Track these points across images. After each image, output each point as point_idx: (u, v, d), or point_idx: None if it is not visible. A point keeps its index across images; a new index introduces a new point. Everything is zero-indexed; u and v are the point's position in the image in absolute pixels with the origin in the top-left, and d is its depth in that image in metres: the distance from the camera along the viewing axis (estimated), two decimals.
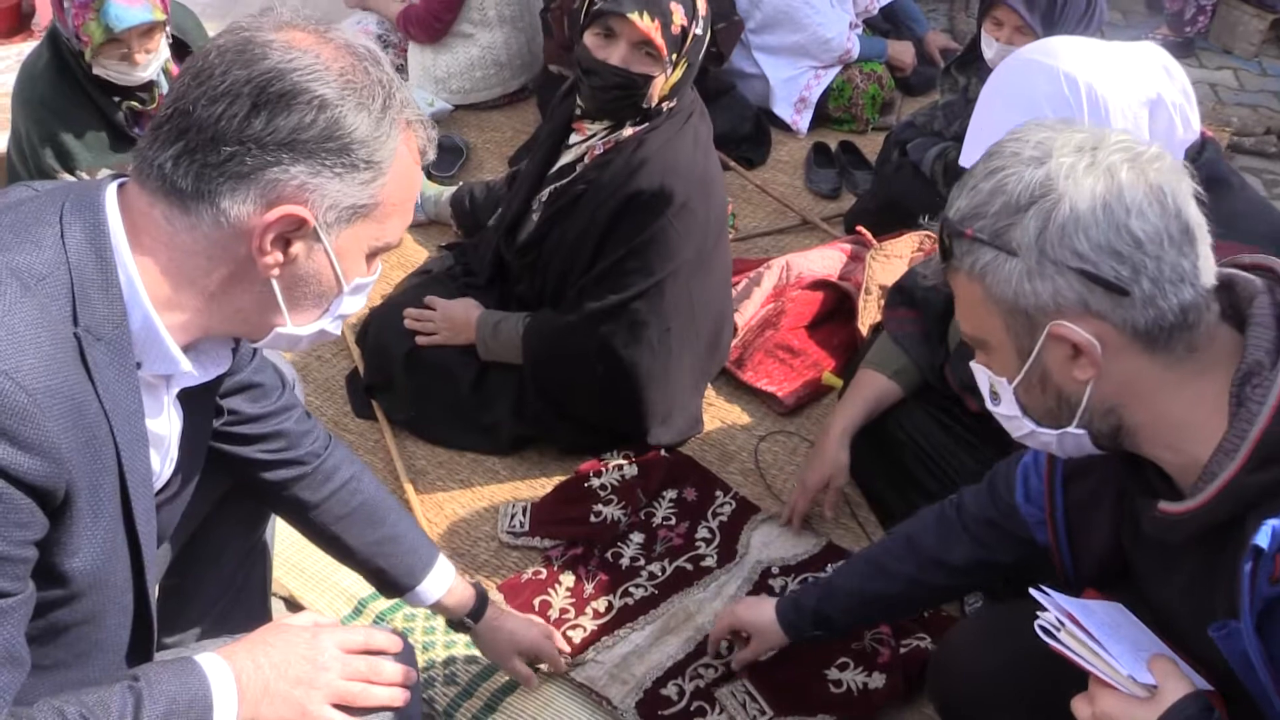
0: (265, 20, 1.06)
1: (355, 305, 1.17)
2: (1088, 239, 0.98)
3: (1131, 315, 0.99)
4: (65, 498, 1.01)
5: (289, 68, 1.01)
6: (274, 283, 1.08)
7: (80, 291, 1.01)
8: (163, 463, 1.21)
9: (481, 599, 1.70)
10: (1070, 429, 1.09)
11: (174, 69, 2.79)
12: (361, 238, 1.10)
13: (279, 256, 1.06)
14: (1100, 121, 1.51)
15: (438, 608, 1.65)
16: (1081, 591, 1.25)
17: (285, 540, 2.13)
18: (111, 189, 1.06)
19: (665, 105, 2.14)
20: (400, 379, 2.42)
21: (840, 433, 2.10)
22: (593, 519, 2.17)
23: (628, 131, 2.18)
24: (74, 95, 2.66)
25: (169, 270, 1.05)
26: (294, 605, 2.01)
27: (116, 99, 2.68)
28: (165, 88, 2.76)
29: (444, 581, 1.63)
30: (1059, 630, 1.11)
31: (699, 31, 2.04)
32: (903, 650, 1.89)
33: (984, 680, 1.47)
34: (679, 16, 2.01)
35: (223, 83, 1.00)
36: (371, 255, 1.14)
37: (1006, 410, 1.14)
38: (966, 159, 1.75)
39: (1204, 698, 1.04)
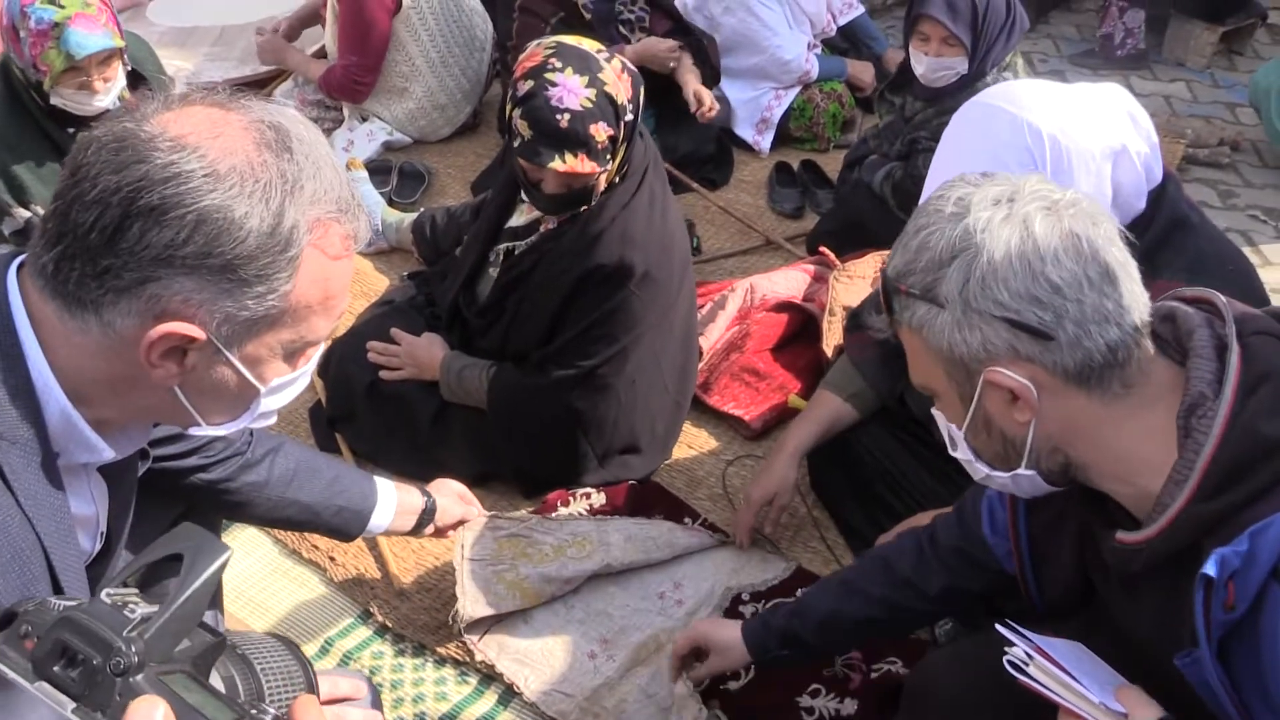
0: (170, 98, 0.97)
1: (282, 401, 1.09)
2: (1007, 289, 1.02)
3: (1060, 358, 1.03)
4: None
5: (162, 176, 0.90)
6: (177, 390, 1.01)
7: None
8: (95, 540, 1.17)
9: (429, 507, 1.86)
10: (1021, 470, 1.12)
11: (130, 98, 2.77)
12: (273, 344, 1.01)
13: (174, 368, 0.98)
14: (1063, 173, 1.51)
15: (396, 525, 1.79)
16: (1044, 624, 1.26)
17: (247, 578, 2.11)
18: (12, 277, 0.99)
19: (619, 176, 2.11)
20: (363, 411, 2.40)
21: (790, 452, 2.10)
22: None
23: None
24: (27, 128, 2.64)
25: (70, 365, 0.99)
26: None
27: (70, 130, 2.65)
28: None
29: (391, 495, 1.77)
30: (1028, 664, 1.11)
31: (630, 117, 2.01)
32: (874, 675, 1.89)
33: (958, 708, 1.47)
34: (602, 133, 1.96)
35: (94, 188, 0.91)
36: (293, 355, 1.05)
37: (963, 455, 1.18)
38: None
39: None
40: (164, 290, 0.93)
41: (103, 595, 0.76)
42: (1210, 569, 0.95)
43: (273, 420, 1.12)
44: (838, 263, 2.74)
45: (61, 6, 2.45)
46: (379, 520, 1.75)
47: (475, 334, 2.35)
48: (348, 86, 3.57)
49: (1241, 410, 0.98)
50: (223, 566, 0.79)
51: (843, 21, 4.00)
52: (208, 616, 1.49)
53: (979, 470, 1.17)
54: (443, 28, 3.60)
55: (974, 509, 1.46)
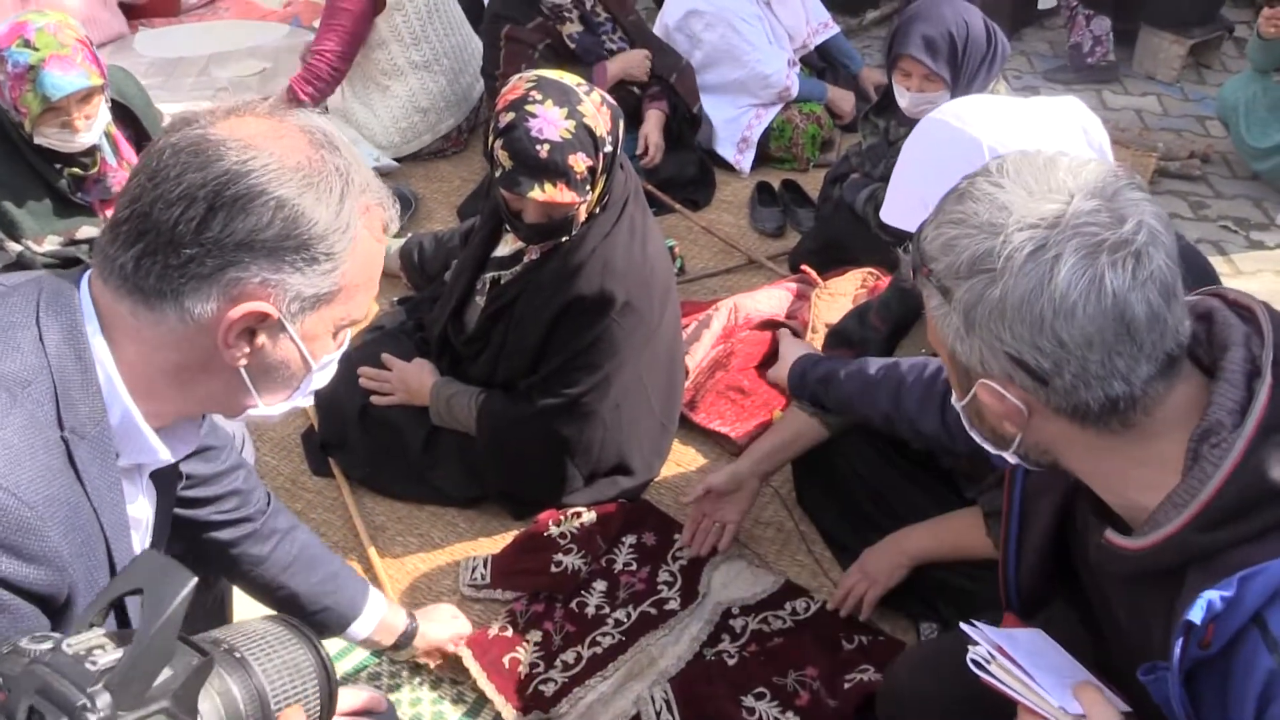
0: (216, 110, 1.07)
1: (325, 379, 1.20)
2: (1011, 330, 0.97)
3: (1053, 399, 1.00)
4: (67, 600, 1.04)
5: (244, 170, 1.01)
6: (242, 371, 1.10)
7: (63, 393, 1.02)
8: (142, 544, 1.24)
9: (409, 630, 1.85)
10: (1007, 455, 1.12)
11: (116, 133, 2.80)
12: (327, 320, 1.12)
13: (245, 348, 1.08)
14: None
15: (373, 637, 1.78)
16: (1020, 594, 1.31)
17: (243, 603, 2.14)
18: (84, 284, 1.08)
19: (600, 207, 2.15)
20: (355, 436, 2.44)
21: (752, 462, 2.15)
22: (553, 569, 2.19)
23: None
24: (15, 164, 2.66)
25: (139, 362, 1.07)
26: None
27: (58, 166, 2.69)
28: (108, 152, 2.77)
29: (378, 609, 1.78)
30: (990, 663, 1.15)
31: (609, 149, 2.05)
32: (847, 685, 1.93)
33: (931, 706, 1.51)
34: (581, 164, 1.99)
35: (178, 186, 1.01)
36: (337, 332, 1.16)
37: (962, 417, 1.16)
38: (887, 214, 1.81)
39: None
40: (244, 273, 1.03)
41: (64, 646, 0.77)
42: (1195, 615, 0.93)
43: (309, 404, 1.21)
44: (820, 281, 2.80)
45: (36, 49, 2.47)
46: (359, 629, 1.75)
47: (464, 361, 2.39)
48: (317, 73, 3.53)
49: (1257, 449, 0.94)
50: (188, 596, 0.82)
51: (818, 41, 4.07)
52: None
53: (972, 434, 1.16)
54: (428, 33, 3.65)
55: None
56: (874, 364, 1.93)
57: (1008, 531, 1.31)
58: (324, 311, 1.10)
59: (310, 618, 1.66)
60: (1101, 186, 0.97)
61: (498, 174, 2.04)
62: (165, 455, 1.14)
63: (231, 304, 1.04)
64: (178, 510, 1.42)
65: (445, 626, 1.96)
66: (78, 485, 1.04)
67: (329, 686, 1.05)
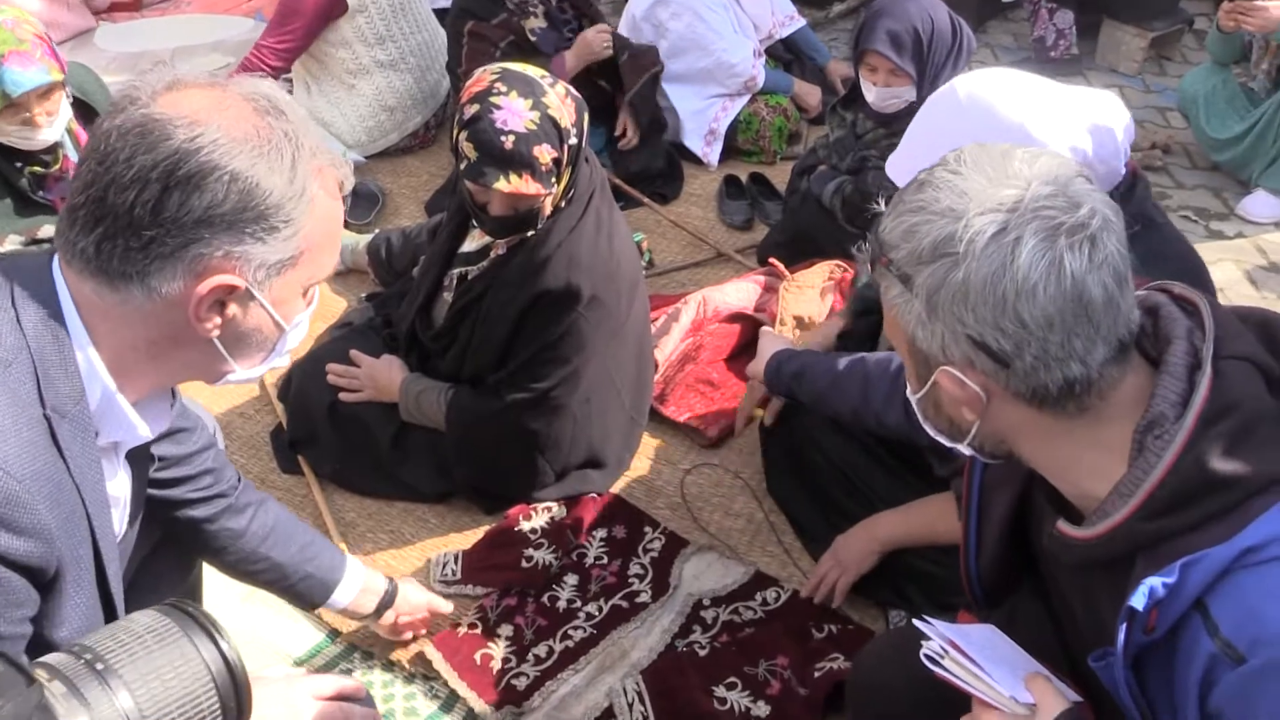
0: (156, 85, 1.07)
1: (299, 337, 1.22)
2: (974, 312, 0.99)
3: (1013, 382, 1.01)
4: (55, 574, 1.06)
5: (193, 147, 1.01)
6: (216, 341, 1.12)
7: (43, 373, 1.04)
8: (121, 522, 1.26)
9: (390, 591, 1.87)
10: (962, 447, 1.14)
11: (78, 129, 2.77)
12: (294, 282, 1.14)
13: (216, 320, 1.09)
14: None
15: (357, 603, 1.81)
16: (982, 584, 1.33)
17: (215, 602, 2.12)
18: (55, 267, 1.08)
19: (565, 200, 2.15)
20: (324, 432, 2.43)
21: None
22: (524, 564, 2.20)
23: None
24: None
25: (113, 339, 1.09)
26: None
27: (19, 164, 2.65)
28: (70, 148, 2.73)
29: (357, 574, 1.81)
30: (943, 658, 1.17)
31: (574, 141, 2.06)
32: (818, 673, 1.95)
33: (899, 692, 1.52)
34: (546, 155, 2.00)
35: (130, 169, 1.01)
36: (306, 290, 1.18)
37: (916, 411, 1.18)
38: (892, 172, 1.83)
39: (1079, 710, 1.11)
40: (206, 249, 1.04)
41: None
42: (1138, 602, 0.95)
43: (286, 363, 1.23)
44: (787, 274, 2.81)
45: None
46: (342, 593, 1.77)
47: (432, 357, 2.39)
48: (250, 69, 3.47)
49: (1197, 441, 0.97)
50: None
51: (784, 33, 4.08)
52: None
53: (927, 429, 1.17)
54: (394, 32, 3.62)
55: None
56: (843, 359, 1.96)
57: (967, 523, 1.33)
58: (289, 275, 1.12)
59: (295, 587, 1.70)
60: (1056, 175, 1.00)
61: (462, 166, 2.04)
62: (144, 431, 1.16)
63: (198, 279, 1.05)
64: (154, 491, 1.44)
65: (420, 593, 1.97)
66: (60, 462, 1.05)
67: (231, 683, 1.02)
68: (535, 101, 2.00)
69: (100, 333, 1.08)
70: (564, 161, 2.06)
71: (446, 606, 2.01)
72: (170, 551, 1.58)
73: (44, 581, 1.06)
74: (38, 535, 1.02)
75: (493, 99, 1.99)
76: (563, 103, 2.04)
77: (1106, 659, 1.04)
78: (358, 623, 2.01)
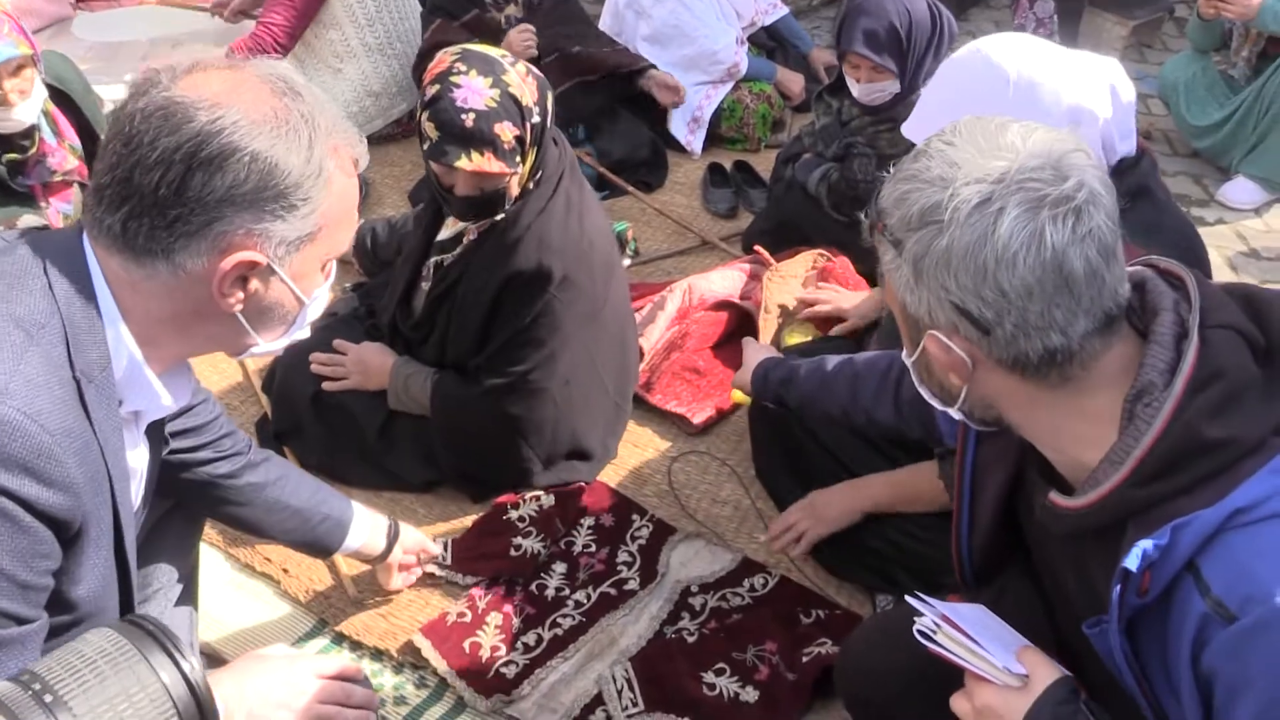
0: (176, 68, 1.10)
1: (318, 310, 1.26)
2: (956, 279, 1.01)
3: (995, 349, 1.04)
4: (78, 530, 1.09)
5: (215, 129, 1.05)
6: (239, 315, 1.16)
7: (73, 338, 1.08)
8: (138, 494, 1.29)
9: (393, 529, 1.95)
10: (953, 411, 1.16)
11: (55, 111, 2.74)
12: (312, 257, 1.17)
13: (239, 294, 1.14)
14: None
15: (369, 541, 1.89)
16: (973, 563, 1.35)
17: (202, 595, 2.12)
18: (85, 240, 1.12)
19: (533, 182, 2.15)
20: (309, 424, 2.42)
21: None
22: (513, 552, 2.20)
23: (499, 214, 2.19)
24: None
25: (139, 311, 1.13)
26: (217, 660, 2.00)
27: None
28: (47, 131, 2.70)
29: (363, 514, 1.88)
30: (936, 632, 1.18)
31: (536, 120, 2.05)
32: (806, 658, 1.96)
33: (887, 675, 1.54)
34: (508, 133, 2.00)
35: (154, 151, 1.05)
36: (324, 265, 1.22)
37: (912, 374, 1.20)
38: (908, 130, 1.83)
39: (1071, 681, 1.13)
40: (228, 226, 1.08)
41: None
42: (1131, 563, 0.97)
43: (307, 335, 1.27)
44: (772, 261, 2.82)
45: None
46: (354, 537, 1.84)
47: (414, 347, 2.39)
48: (260, 47, 3.49)
49: (1186, 407, 0.99)
50: None
51: (767, 21, 4.09)
52: (182, 618, 1.49)
53: (922, 391, 1.20)
54: (382, 15, 3.61)
55: None
56: (831, 360, 1.97)
57: (960, 502, 1.35)
58: (308, 250, 1.15)
59: (315, 531, 1.77)
60: (1049, 149, 1.02)
61: (425, 146, 2.05)
62: (167, 401, 1.19)
63: (221, 256, 1.10)
64: (178, 455, 1.51)
65: (415, 530, 2.05)
66: (87, 424, 1.09)
67: (195, 706, 0.99)
68: (495, 80, 2.00)
69: (128, 305, 1.12)
70: (528, 140, 2.06)
71: (436, 548, 2.10)
72: (173, 528, 1.63)
73: (68, 536, 1.09)
74: (66, 489, 1.05)
75: (453, 78, 1.99)
76: (524, 81, 2.05)
77: (1101, 625, 1.06)
78: (349, 608, 2.04)
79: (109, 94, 3.73)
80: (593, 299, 2.23)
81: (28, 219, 2.69)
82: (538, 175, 2.15)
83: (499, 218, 2.15)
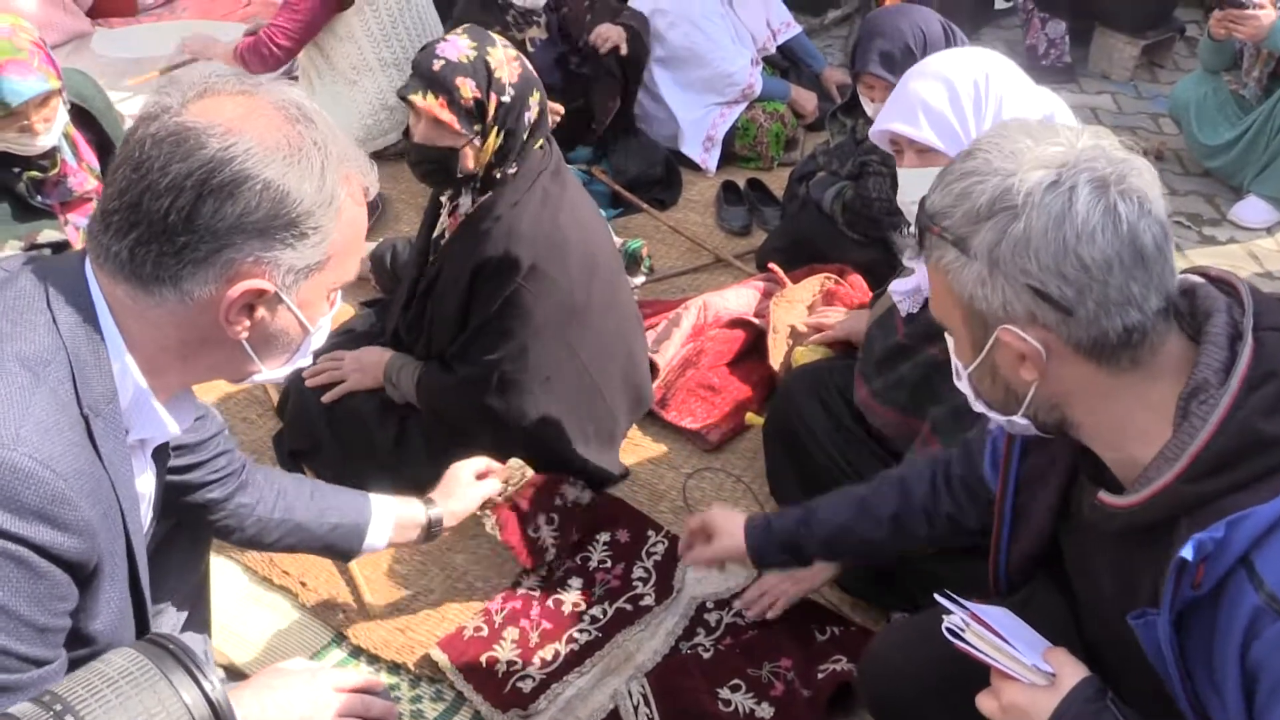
0: (187, 93, 1.08)
1: (322, 339, 1.25)
2: (1037, 260, 1.02)
3: (1075, 331, 1.04)
4: (94, 569, 1.09)
5: (227, 156, 1.04)
6: (244, 343, 1.15)
7: (79, 373, 1.07)
8: (147, 517, 1.29)
9: (435, 517, 1.85)
10: (1016, 418, 1.16)
11: (75, 133, 2.77)
12: (320, 286, 1.17)
13: (245, 322, 1.12)
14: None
15: (397, 540, 1.81)
16: (1009, 573, 1.36)
17: (220, 608, 2.13)
18: (88, 268, 1.11)
19: (502, 172, 2.19)
20: (324, 438, 2.44)
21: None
22: (531, 532, 2.18)
23: (465, 200, 2.25)
24: None
25: (144, 340, 1.12)
26: (236, 674, 2.01)
27: (16, 170, 2.65)
28: (67, 152, 2.73)
29: (387, 509, 1.79)
30: (964, 630, 1.19)
31: (507, 99, 2.11)
32: (821, 675, 1.96)
33: (913, 675, 1.54)
34: (468, 90, 2.08)
35: (165, 177, 1.04)
36: (330, 294, 1.21)
37: (964, 389, 1.21)
38: (882, 120, 1.91)
39: (1097, 680, 1.14)
40: (237, 254, 1.07)
41: None
42: (1188, 553, 0.99)
43: (310, 363, 1.26)
44: (786, 280, 2.83)
45: None
46: (376, 537, 1.76)
47: (409, 342, 2.44)
48: (260, 48, 3.52)
49: (1242, 404, 1.00)
50: None
51: (781, 40, 4.12)
52: (197, 641, 1.52)
53: (977, 405, 1.21)
54: (399, 31, 3.65)
55: (980, 444, 1.52)
56: (852, 489, 1.76)
57: (1001, 517, 1.36)
58: (316, 279, 1.15)
59: (326, 539, 1.71)
60: (1096, 140, 1.07)
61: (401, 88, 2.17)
62: (173, 429, 1.19)
63: (229, 284, 1.08)
64: (175, 477, 1.48)
65: (468, 495, 1.95)
66: (97, 460, 1.08)
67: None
68: (479, 46, 2.13)
69: (133, 334, 1.11)
70: (490, 112, 2.12)
71: (495, 486, 2.01)
72: (180, 543, 1.62)
73: (83, 576, 1.08)
74: (81, 532, 1.05)
75: (447, 36, 2.15)
76: (507, 60, 2.14)
77: (1146, 616, 1.07)
78: (367, 621, 2.01)
79: (130, 110, 3.77)
80: (568, 293, 2.23)
81: (49, 233, 2.72)
82: (511, 166, 2.19)
83: (464, 202, 2.22)
